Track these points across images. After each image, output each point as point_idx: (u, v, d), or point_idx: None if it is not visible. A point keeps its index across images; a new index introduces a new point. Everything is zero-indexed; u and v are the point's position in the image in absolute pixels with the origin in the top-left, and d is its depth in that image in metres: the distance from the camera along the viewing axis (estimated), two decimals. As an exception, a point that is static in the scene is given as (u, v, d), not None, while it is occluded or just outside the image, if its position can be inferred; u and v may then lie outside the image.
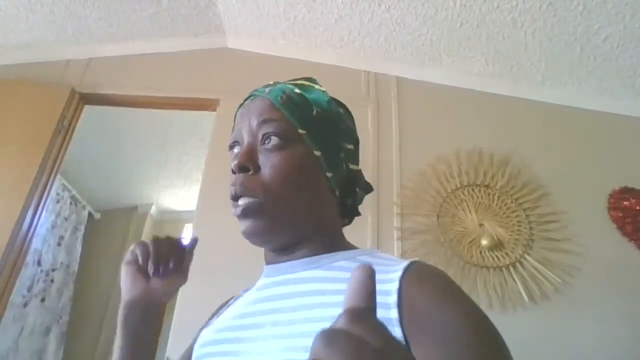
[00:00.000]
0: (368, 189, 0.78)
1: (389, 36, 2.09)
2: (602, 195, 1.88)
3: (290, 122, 0.66)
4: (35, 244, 2.82)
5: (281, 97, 0.67)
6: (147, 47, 2.36)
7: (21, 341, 2.72)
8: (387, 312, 0.50)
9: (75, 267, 3.31)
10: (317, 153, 0.67)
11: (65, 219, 3.27)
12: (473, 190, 1.93)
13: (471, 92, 2.15)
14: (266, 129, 0.65)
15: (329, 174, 0.68)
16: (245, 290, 0.74)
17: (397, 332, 0.48)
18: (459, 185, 1.93)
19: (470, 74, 2.17)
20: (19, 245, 2.01)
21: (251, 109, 0.68)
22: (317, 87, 0.73)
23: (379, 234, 1.84)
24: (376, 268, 0.52)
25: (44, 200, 2.15)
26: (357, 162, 0.75)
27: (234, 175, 0.64)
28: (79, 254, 3.37)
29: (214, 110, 2.19)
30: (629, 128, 2.02)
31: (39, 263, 2.97)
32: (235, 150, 0.68)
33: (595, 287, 1.70)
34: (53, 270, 3.09)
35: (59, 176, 2.90)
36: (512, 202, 1.89)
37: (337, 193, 0.70)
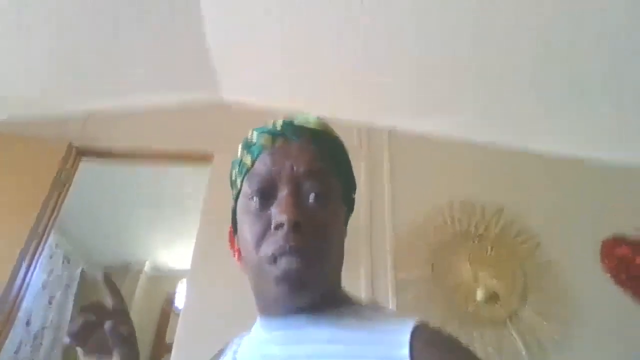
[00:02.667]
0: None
1: (382, 90, 2.15)
2: (595, 244, 1.88)
3: (336, 179, 0.65)
4: (26, 302, 2.77)
5: (328, 148, 0.66)
6: (143, 102, 2.40)
7: None
8: None
9: (65, 327, 3.23)
10: (345, 209, 0.68)
11: (58, 276, 3.23)
12: (467, 241, 1.93)
13: (463, 143, 2.19)
14: (314, 182, 0.62)
15: (345, 227, 0.69)
16: (241, 337, 0.71)
17: None
18: (452, 237, 1.94)
19: (462, 126, 2.21)
20: (9, 306, 1.97)
21: (291, 153, 0.64)
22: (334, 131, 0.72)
23: (373, 286, 1.83)
24: (381, 328, 0.57)
25: (37, 258, 2.13)
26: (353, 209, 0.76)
27: (275, 230, 0.59)
28: (70, 314, 3.30)
29: (209, 161, 2.22)
30: (618, 178, 2.06)
31: (27, 323, 2.90)
32: (256, 196, 0.62)
33: (592, 338, 1.67)
34: (43, 329, 3.01)
35: (52, 232, 2.90)
36: (506, 253, 1.89)
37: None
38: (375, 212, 2.02)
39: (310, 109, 2.38)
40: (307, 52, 2.06)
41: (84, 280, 3.55)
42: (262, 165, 0.64)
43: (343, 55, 2.02)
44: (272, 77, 2.23)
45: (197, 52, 2.19)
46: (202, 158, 2.26)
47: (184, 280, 3.71)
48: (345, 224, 0.69)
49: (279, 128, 0.67)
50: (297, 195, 0.60)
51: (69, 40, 2.08)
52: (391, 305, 1.79)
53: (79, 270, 3.44)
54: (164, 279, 4.06)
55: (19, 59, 2.14)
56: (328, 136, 0.68)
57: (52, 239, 3.01)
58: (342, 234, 0.66)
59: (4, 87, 2.29)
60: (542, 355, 1.65)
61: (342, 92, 2.22)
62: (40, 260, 2.18)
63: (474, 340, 1.69)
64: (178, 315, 2.58)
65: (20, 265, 2.01)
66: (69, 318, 3.25)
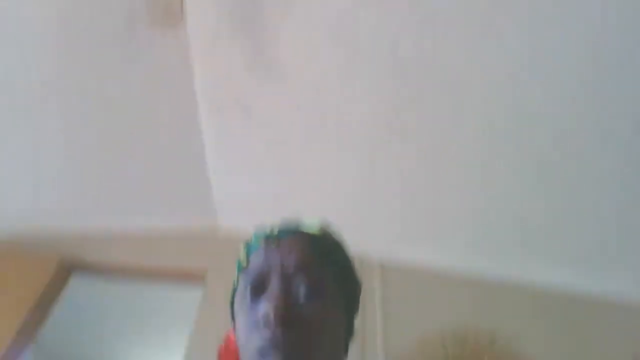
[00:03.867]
0: (353, 334, 0.74)
1: (373, 221, 2.23)
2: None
3: (322, 270, 0.64)
4: None
5: (322, 248, 0.67)
6: (139, 224, 2.44)
7: None
8: None
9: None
10: (342, 304, 0.66)
11: None
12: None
13: (454, 273, 2.22)
14: (304, 277, 0.62)
15: (347, 338, 0.67)
16: None
17: None
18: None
19: (453, 256, 2.26)
20: None
21: (284, 250, 0.65)
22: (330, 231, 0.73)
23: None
24: None
25: None
26: (358, 310, 0.73)
27: (263, 323, 0.58)
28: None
29: (201, 282, 2.21)
30: (609, 309, 2.05)
31: None
32: (248, 291, 0.63)
33: None
34: None
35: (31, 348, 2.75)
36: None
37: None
38: (367, 341, 1.99)
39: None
40: (304, 181, 2.16)
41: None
42: (255, 261, 0.66)
43: (341, 185, 2.12)
44: (269, 204, 2.31)
45: (197, 180, 2.28)
46: (194, 278, 2.25)
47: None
48: (348, 325, 0.68)
49: (275, 230, 0.70)
50: (286, 290, 0.61)
51: (72, 160, 2.16)
52: None
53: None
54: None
55: (11, 175, 2.20)
56: (325, 238, 0.70)
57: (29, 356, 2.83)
58: (339, 332, 0.64)
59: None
60: None
61: (336, 221, 2.28)
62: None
63: None
64: None
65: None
66: None
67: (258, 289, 0.63)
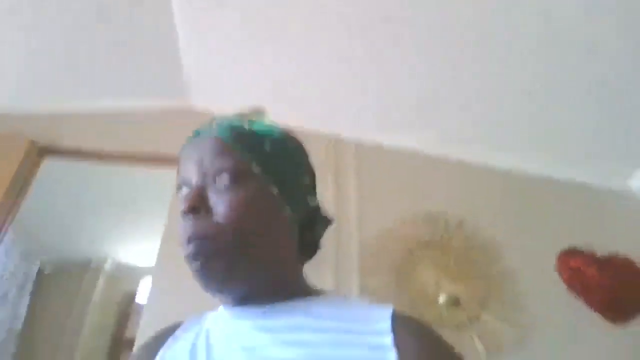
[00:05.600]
0: (328, 222, 0.74)
1: (350, 104, 2.19)
2: (551, 255, 1.96)
3: (242, 158, 0.63)
4: None
5: (231, 134, 0.65)
6: (111, 105, 2.37)
7: None
8: None
9: (18, 325, 3.10)
10: (274, 190, 0.64)
11: (12, 274, 3.11)
12: (430, 250, 1.99)
13: (428, 158, 2.26)
14: (217, 167, 0.62)
15: (288, 212, 0.65)
16: (203, 318, 0.69)
17: None
18: (416, 246, 1.99)
19: (427, 141, 2.27)
20: None
21: (199, 147, 0.65)
22: (267, 119, 0.71)
23: (338, 291, 1.84)
24: (360, 316, 0.58)
25: None
26: (315, 196, 0.73)
27: (185, 219, 0.61)
28: (24, 312, 3.17)
29: (176, 164, 2.20)
30: (576, 194, 2.15)
31: None
32: (184, 191, 0.64)
33: (548, 342, 1.75)
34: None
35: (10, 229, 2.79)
36: (467, 262, 1.95)
37: (296, 230, 0.67)
38: (342, 221, 2.05)
39: (278, 119, 2.39)
40: (278, 63, 2.07)
41: (41, 277, 3.43)
42: (181, 160, 0.67)
43: (314, 67, 2.04)
44: (243, 86, 2.23)
45: (169, 59, 2.17)
46: (169, 161, 2.23)
47: (147, 278, 3.65)
48: (291, 207, 0.66)
49: (203, 127, 0.69)
50: (203, 185, 0.62)
51: (40, 40, 2.03)
52: None
53: (35, 267, 3.32)
54: (125, 277, 3.97)
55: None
56: (238, 124, 0.67)
57: (9, 236, 2.90)
58: (271, 217, 0.63)
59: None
60: (500, 358, 1.72)
61: (311, 104, 2.25)
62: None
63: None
64: (139, 312, 2.56)
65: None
66: (22, 317, 3.13)
67: (183, 187, 0.65)
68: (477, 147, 2.23)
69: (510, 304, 1.84)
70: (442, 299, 1.85)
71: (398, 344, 0.53)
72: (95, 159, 2.29)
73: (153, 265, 2.01)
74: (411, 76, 1.97)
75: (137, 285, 3.94)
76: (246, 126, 0.67)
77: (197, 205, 0.60)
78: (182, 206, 0.61)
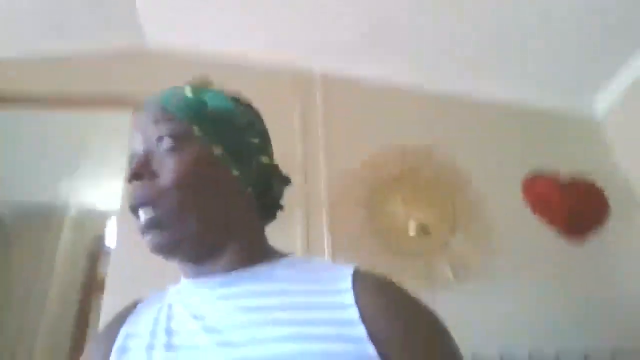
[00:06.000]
0: (285, 181, 0.73)
1: (316, 31, 2.09)
2: (517, 181, 2.01)
3: (182, 122, 0.63)
4: None
5: (172, 100, 0.65)
6: (62, 48, 2.19)
7: None
8: (352, 328, 0.51)
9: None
10: (217, 151, 0.63)
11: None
12: (400, 183, 1.99)
13: (394, 89, 2.22)
14: (158, 132, 0.62)
15: (235, 172, 0.64)
16: (145, 304, 0.68)
17: (370, 349, 0.50)
18: (386, 179, 1.99)
19: (394, 72, 2.22)
20: None
21: (144, 118, 0.65)
22: (212, 87, 0.71)
23: (308, 232, 1.86)
24: (321, 277, 0.59)
25: None
26: (268, 156, 0.71)
27: (130, 187, 0.61)
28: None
29: (131, 105, 2.08)
30: (540, 121, 2.18)
31: None
32: (129, 162, 0.65)
33: (513, 266, 1.82)
34: None
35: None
36: (437, 191, 1.98)
37: (249, 190, 0.66)
38: (309, 157, 2.01)
39: (239, 52, 2.28)
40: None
41: (2, 228, 3.31)
42: (131, 134, 0.67)
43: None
44: (200, 19, 2.10)
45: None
46: (124, 103, 2.11)
47: (113, 219, 3.58)
48: (239, 168, 0.65)
49: (149, 99, 0.69)
50: (147, 152, 0.62)
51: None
52: (327, 249, 1.84)
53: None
54: (91, 220, 3.88)
55: None
56: (180, 91, 0.67)
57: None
58: (215, 178, 0.63)
59: None
60: (468, 282, 1.78)
61: (275, 32, 2.13)
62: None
63: (407, 270, 1.78)
64: (108, 254, 2.53)
65: None
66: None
67: (133, 158, 0.64)
68: (444, 77, 2.20)
69: (479, 230, 1.89)
70: (412, 228, 1.88)
71: (359, 301, 0.54)
72: (48, 105, 2.15)
73: (117, 207, 1.97)
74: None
75: (104, 229, 3.88)
76: (189, 94, 0.67)
77: (140, 171, 0.60)
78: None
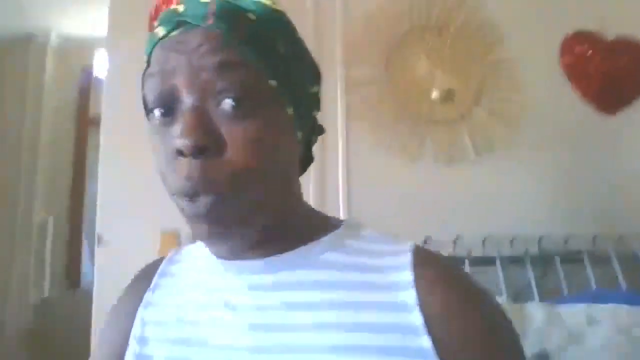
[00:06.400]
0: (321, 131, 0.59)
1: None
2: (556, 40, 1.78)
3: (256, 68, 0.44)
4: None
5: (235, 26, 0.44)
6: None
7: None
8: (415, 339, 0.43)
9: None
10: (290, 111, 0.47)
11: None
12: (424, 34, 1.75)
13: None
14: (227, 82, 0.42)
15: (299, 134, 0.50)
16: (163, 275, 0.58)
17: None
18: (409, 29, 1.74)
19: None
20: None
21: (191, 42, 0.43)
22: None
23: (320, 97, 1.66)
24: (372, 259, 0.48)
25: None
26: (319, 108, 0.56)
27: (179, 159, 0.43)
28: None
29: None
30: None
31: None
32: (158, 112, 0.45)
33: (536, 141, 1.70)
34: None
35: None
36: (465, 48, 1.75)
37: (300, 150, 0.53)
38: (323, 4, 1.73)
39: None
40: None
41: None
42: (155, 64, 0.45)
43: None
44: None
45: None
46: None
47: (101, 50, 3.32)
48: (302, 129, 0.51)
49: (177, 10, 0.46)
50: (205, 110, 0.43)
51: None
52: (340, 109, 1.68)
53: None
54: (76, 51, 3.61)
55: None
56: (252, 10, 0.46)
57: None
58: (289, 147, 0.49)
59: None
60: (490, 155, 1.68)
61: None
62: None
63: (425, 139, 1.67)
64: (100, 87, 2.36)
65: None
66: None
67: (167, 105, 0.44)
68: None
69: (506, 97, 1.73)
70: (435, 93, 1.70)
71: (422, 299, 0.44)
72: None
73: (105, 35, 1.78)
74: None
75: (92, 59, 3.63)
76: (252, 13, 0.45)
77: (205, 144, 0.42)
78: (177, 141, 0.42)
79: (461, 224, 1.60)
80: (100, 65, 3.28)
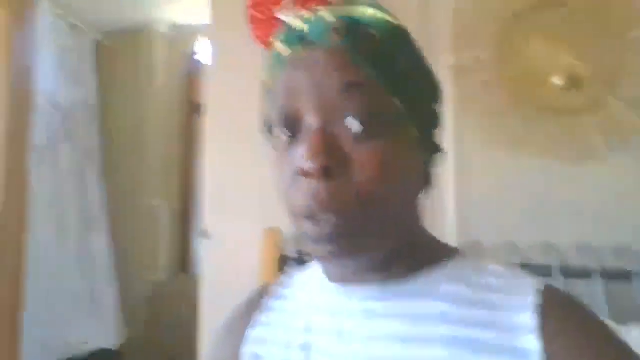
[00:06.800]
0: (441, 151, 0.54)
1: None
2: None
3: (382, 87, 0.43)
4: (44, 84, 2.56)
5: (361, 43, 0.43)
6: None
7: (58, 183, 2.70)
8: None
9: (94, 100, 3.13)
10: (414, 131, 0.46)
11: (70, 50, 2.97)
12: (544, 13, 1.51)
13: None
14: (353, 102, 0.42)
15: (422, 154, 0.49)
16: (273, 297, 0.58)
17: None
18: (526, 6, 1.52)
19: None
20: (25, 93, 1.89)
21: (313, 64, 0.43)
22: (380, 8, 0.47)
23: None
24: (492, 295, 0.45)
25: (33, 29, 1.97)
26: (441, 125, 0.53)
27: (304, 179, 0.43)
28: (95, 86, 3.16)
29: None
30: None
31: (53, 105, 2.77)
32: (282, 132, 0.45)
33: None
34: (71, 108, 2.90)
35: (46, 5, 2.57)
36: (594, 25, 1.48)
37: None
38: None
39: None
40: None
41: (100, 50, 3.31)
42: (280, 85, 0.46)
43: None
44: None
45: None
46: None
47: (205, 37, 3.44)
48: (423, 149, 0.49)
49: (300, 28, 0.46)
50: (331, 131, 0.43)
51: None
52: (450, 95, 1.51)
53: (89, 39, 3.16)
54: (183, 39, 3.79)
55: None
56: (376, 28, 0.45)
57: (48, 11, 2.65)
58: (415, 171, 0.48)
59: None
60: (625, 154, 1.43)
61: None
62: (41, 34, 2.04)
63: (544, 131, 1.46)
64: (204, 72, 2.42)
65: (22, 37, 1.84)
66: (95, 94, 3.12)
67: (292, 126, 0.45)
68: None
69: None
70: (556, 79, 1.47)
71: (546, 349, 0.40)
72: None
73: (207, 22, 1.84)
74: None
75: (196, 45, 3.79)
76: (375, 29, 0.44)
77: (331, 165, 0.42)
78: (290, 155, 0.45)
79: (588, 230, 1.41)
80: (204, 52, 3.41)
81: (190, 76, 3.69)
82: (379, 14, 0.46)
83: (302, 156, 0.42)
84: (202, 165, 1.76)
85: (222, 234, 1.67)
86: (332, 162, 0.42)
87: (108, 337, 2.61)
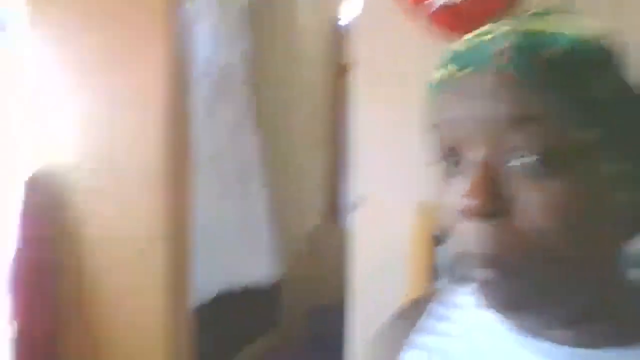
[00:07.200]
0: None
1: None
2: None
3: (565, 118, 0.35)
4: (201, 49, 2.76)
5: (538, 65, 0.35)
6: None
7: (216, 139, 2.94)
8: None
9: (246, 61, 3.31)
10: (612, 167, 0.37)
11: (223, 13, 3.16)
12: None
13: None
14: (524, 137, 0.36)
15: (622, 194, 0.38)
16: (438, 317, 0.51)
17: None
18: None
19: None
20: (182, 50, 2.02)
21: (476, 91, 0.37)
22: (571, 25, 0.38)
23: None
24: None
25: None
26: None
27: (464, 218, 0.38)
28: (247, 48, 3.33)
29: None
30: None
31: (210, 67, 2.97)
32: (444, 164, 0.41)
33: None
34: (226, 69, 3.10)
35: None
36: None
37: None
38: None
39: None
40: None
41: (251, 14, 3.46)
42: (437, 111, 0.41)
43: None
44: None
45: None
46: None
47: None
48: (624, 187, 0.38)
49: (464, 49, 0.40)
50: (493, 169, 0.37)
51: None
52: None
53: (241, 3, 3.32)
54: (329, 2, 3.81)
55: None
56: (558, 44, 0.36)
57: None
58: (602, 209, 0.38)
59: None
60: None
61: None
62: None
63: None
64: (348, 36, 2.45)
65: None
66: (247, 55, 3.27)
67: (453, 157, 0.40)
68: None
69: None
70: None
71: None
72: None
73: None
74: None
75: (341, 9, 3.78)
76: (557, 48, 0.36)
77: (493, 208, 0.37)
78: (451, 188, 0.40)
79: None
80: (349, 16, 3.39)
81: (337, 37, 3.70)
82: (567, 26, 0.37)
83: (462, 193, 0.38)
84: (353, 127, 1.70)
85: (371, 206, 1.62)
86: (494, 204, 0.37)
87: (264, 273, 2.91)
